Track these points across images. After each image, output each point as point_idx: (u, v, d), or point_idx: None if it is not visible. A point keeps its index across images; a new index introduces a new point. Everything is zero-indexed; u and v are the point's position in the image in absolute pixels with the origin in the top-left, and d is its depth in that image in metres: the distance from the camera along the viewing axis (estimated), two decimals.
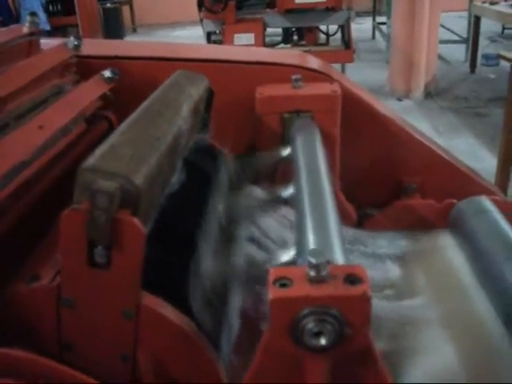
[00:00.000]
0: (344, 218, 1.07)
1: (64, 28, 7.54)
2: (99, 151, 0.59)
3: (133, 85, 0.99)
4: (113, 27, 7.40)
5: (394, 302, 0.83)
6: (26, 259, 0.64)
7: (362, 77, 5.94)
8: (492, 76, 5.96)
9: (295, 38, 5.61)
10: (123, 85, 1.00)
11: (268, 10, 5.00)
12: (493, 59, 6.11)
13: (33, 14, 1.00)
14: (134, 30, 9.52)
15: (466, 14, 6.67)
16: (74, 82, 1.02)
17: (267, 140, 1.00)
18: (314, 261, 0.49)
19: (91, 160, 0.57)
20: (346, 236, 0.89)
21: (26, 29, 0.99)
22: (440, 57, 6.63)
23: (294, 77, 1.00)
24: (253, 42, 4.38)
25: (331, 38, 5.54)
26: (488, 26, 6.78)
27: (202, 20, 4.74)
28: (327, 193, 0.73)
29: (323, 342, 0.50)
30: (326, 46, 5.29)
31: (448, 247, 1.00)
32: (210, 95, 0.94)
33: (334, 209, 0.70)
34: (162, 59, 1.08)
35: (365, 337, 0.51)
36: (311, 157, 0.83)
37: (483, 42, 6.82)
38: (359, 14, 9.40)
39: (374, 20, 7.99)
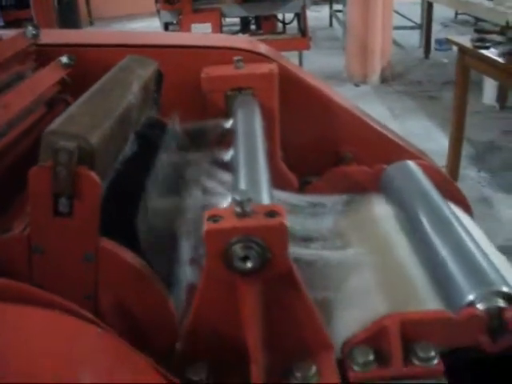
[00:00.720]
0: (286, 185, 1.20)
1: (18, 22, 7.37)
2: (59, 119, 0.69)
3: (88, 70, 1.08)
4: (69, 20, 7.29)
5: (326, 250, 0.95)
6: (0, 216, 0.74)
7: (320, 64, 6.10)
8: (445, 60, 6.20)
9: (253, 27, 5.70)
10: (80, 70, 1.10)
11: None
12: (445, 44, 6.34)
13: None
14: (91, 23, 9.41)
15: (420, 0, 6.88)
16: (33, 68, 1.11)
17: (213, 115, 1.11)
18: (238, 198, 0.61)
19: (53, 125, 0.67)
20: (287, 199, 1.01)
21: None
22: (395, 43, 6.84)
23: (235, 58, 1.12)
24: (210, 32, 4.47)
25: (288, 27, 5.67)
26: (442, 11, 7.00)
27: (158, 11, 4.78)
28: (260, 153, 0.86)
29: (249, 265, 0.62)
30: (283, 34, 5.41)
31: (377, 205, 1.14)
32: (159, 76, 1.05)
33: (264, 164, 0.83)
34: (115, 46, 1.18)
35: (284, 260, 0.64)
36: (249, 126, 0.96)
37: (437, 28, 7.05)
38: (317, 2, 9.53)
39: (330, 8, 8.13)
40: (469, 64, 3.23)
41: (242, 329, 0.67)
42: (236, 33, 5.44)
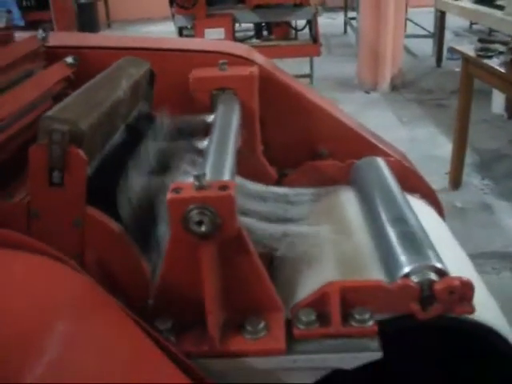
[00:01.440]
0: (265, 176, 1.33)
1: (38, 23, 7.57)
2: (55, 108, 0.85)
3: (90, 69, 1.23)
4: (87, 22, 7.48)
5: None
6: (5, 189, 0.90)
7: (332, 70, 6.22)
8: (457, 69, 6.24)
9: (265, 33, 5.84)
10: (82, 69, 1.25)
11: (240, 5, 5.22)
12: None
13: (9, 11, 1.24)
14: (109, 26, 9.65)
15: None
16: (42, 67, 1.27)
17: (199, 112, 1.25)
18: (196, 173, 0.74)
19: (49, 112, 0.83)
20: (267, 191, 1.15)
21: (1, 24, 1.23)
22: (408, 51, 6.93)
23: (220, 61, 1.27)
24: (223, 37, 4.62)
25: (300, 33, 5.79)
26: (457, 21, 7.04)
27: (173, 15, 4.94)
28: (230, 143, 0.99)
29: (203, 228, 0.75)
30: (295, 40, 5.54)
31: (343, 194, 1.26)
32: (151, 76, 1.20)
33: (232, 152, 0.97)
34: (114, 48, 1.34)
35: (233, 226, 0.77)
36: (225, 120, 1.10)
37: (450, 37, 7.11)
38: (332, 9, 9.66)
39: (345, 15, 8.23)
40: (472, 73, 3.32)
41: (201, 285, 0.81)
42: (249, 38, 5.59)
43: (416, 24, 7.39)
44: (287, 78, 1.42)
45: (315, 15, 5.08)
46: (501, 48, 3.29)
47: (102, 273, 0.87)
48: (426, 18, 7.42)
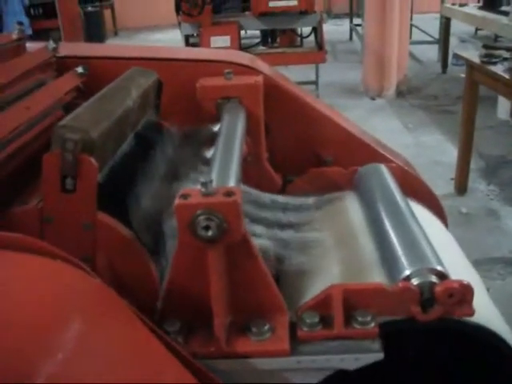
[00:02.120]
0: (270, 183, 1.36)
1: (45, 31, 7.66)
2: (68, 117, 0.89)
3: (99, 78, 1.27)
4: (94, 30, 7.57)
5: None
6: (19, 195, 0.93)
7: (338, 77, 6.25)
8: (462, 75, 6.25)
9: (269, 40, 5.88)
10: (92, 78, 1.29)
11: (247, 13, 5.26)
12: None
13: (20, 23, 1.28)
14: (116, 34, 9.74)
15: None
16: (53, 76, 1.31)
17: (206, 120, 1.29)
18: (202, 180, 0.78)
19: (63, 121, 0.87)
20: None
21: (14, 35, 1.28)
22: (413, 57, 6.95)
23: (226, 71, 1.31)
24: (229, 44, 4.67)
25: (306, 40, 5.83)
26: (463, 27, 7.06)
27: (180, 23, 4.99)
28: (235, 151, 1.03)
29: (210, 233, 0.78)
30: (300, 47, 5.58)
31: (347, 200, 1.29)
32: (159, 85, 1.24)
33: (237, 159, 1.00)
34: (122, 58, 1.38)
35: (239, 230, 0.80)
36: (231, 129, 1.13)
37: (455, 43, 7.12)
38: (338, 16, 9.71)
39: (351, 22, 8.27)
40: (477, 79, 3.34)
41: (208, 289, 0.84)
42: (255, 45, 5.64)
43: (421, 30, 7.42)
44: (291, 85, 1.45)
45: (320, 22, 5.12)
46: (505, 54, 3.31)
47: (112, 276, 0.90)
48: (431, 24, 7.44)
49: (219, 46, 4.64)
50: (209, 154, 1.09)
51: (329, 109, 1.49)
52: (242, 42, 5.23)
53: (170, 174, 1.06)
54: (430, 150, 4.33)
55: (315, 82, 5.45)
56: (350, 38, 8.35)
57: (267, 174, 1.36)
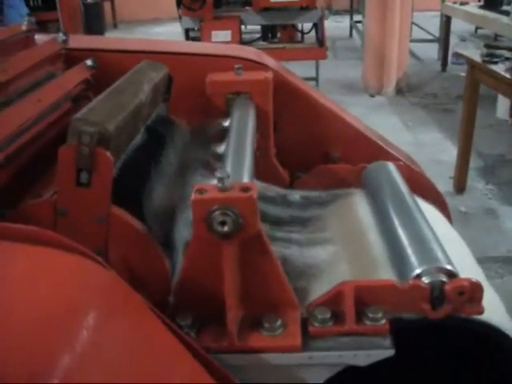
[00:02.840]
0: (278, 178, 1.36)
1: (45, 23, 7.61)
2: (84, 110, 0.88)
3: (108, 71, 1.27)
4: (94, 22, 7.53)
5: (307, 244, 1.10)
6: (33, 187, 0.93)
7: (337, 74, 6.24)
8: (462, 74, 6.25)
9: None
10: (101, 71, 1.29)
11: (247, 8, 5.24)
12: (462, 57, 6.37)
13: (29, 15, 1.28)
14: (115, 26, 9.67)
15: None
16: (62, 69, 1.30)
17: (215, 115, 1.29)
18: (219, 175, 0.78)
19: (79, 114, 0.86)
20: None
21: (24, 27, 1.27)
22: (413, 55, 6.95)
23: (236, 66, 1.31)
24: (229, 39, 4.65)
25: (307, 36, 5.81)
26: (463, 25, 7.06)
27: (180, 17, 4.97)
28: (247, 146, 1.03)
29: (226, 228, 0.78)
30: (301, 43, 5.56)
31: (354, 197, 1.29)
32: (169, 79, 1.23)
33: (249, 154, 1.00)
34: (132, 52, 1.37)
35: (254, 226, 0.80)
36: (241, 125, 1.13)
37: (455, 42, 7.12)
38: (338, 13, 9.69)
39: (351, 18, 8.25)
40: (478, 78, 3.34)
41: (222, 283, 0.84)
42: (256, 40, 5.62)
43: (421, 28, 7.41)
44: (299, 81, 1.45)
45: (322, 18, 5.11)
46: (507, 54, 3.31)
47: (125, 269, 0.90)
48: (431, 23, 7.44)
49: (220, 40, 4.62)
50: (220, 149, 1.09)
51: (336, 106, 1.49)
52: (243, 37, 5.21)
53: (181, 168, 1.06)
54: (429, 148, 4.33)
55: (315, 79, 5.44)
56: (350, 34, 8.33)
57: (274, 170, 1.36)
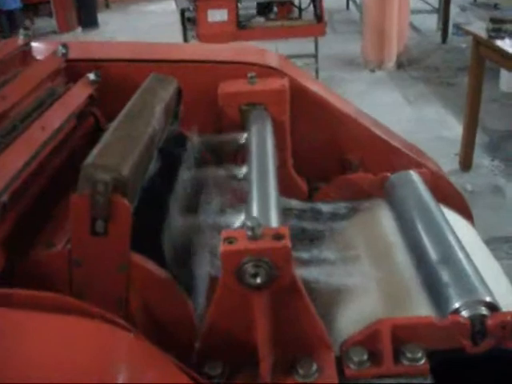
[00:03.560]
0: (295, 190, 1.29)
1: (35, 5, 7.40)
2: (96, 150, 0.80)
3: (113, 83, 1.18)
4: (85, 3, 7.33)
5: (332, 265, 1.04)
6: (40, 231, 0.86)
7: (336, 49, 6.09)
8: (463, 45, 6.11)
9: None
10: (105, 84, 1.20)
11: None
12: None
13: (26, 28, 1.18)
14: (107, 6, 9.39)
15: None
16: (63, 83, 1.21)
17: (228, 128, 1.21)
18: (250, 224, 0.71)
19: (91, 158, 0.79)
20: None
21: (20, 41, 1.17)
22: (412, 27, 6.78)
23: (249, 74, 1.22)
24: (226, 18, 4.50)
25: (305, 12, 5.64)
26: None
27: None
28: (270, 172, 0.96)
29: (259, 280, 0.72)
30: (299, 20, 5.40)
31: (380, 211, 1.23)
32: (178, 94, 1.15)
33: (274, 184, 0.93)
34: (138, 61, 1.28)
35: (290, 276, 0.74)
36: (261, 145, 1.05)
37: (455, 11, 6.95)
38: None
39: None
40: (484, 54, 3.24)
41: (253, 333, 0.78)
42: (252, 17, 5.44)
43: None
44: (317, 86, 1.37)
45: None
46: None
47: (147, 317, 0.84)
48: None
49: (216, 20, 4.47)
50: (240, 172, 1.01)
51: (354, 108, 1.42)
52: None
53: (197, 193, 0.98)
54: (432, 124, 4.24)
55: (315, 55, 5.31)
56: (347, 6, 8.13)
57: (292, 182, 1.29)
